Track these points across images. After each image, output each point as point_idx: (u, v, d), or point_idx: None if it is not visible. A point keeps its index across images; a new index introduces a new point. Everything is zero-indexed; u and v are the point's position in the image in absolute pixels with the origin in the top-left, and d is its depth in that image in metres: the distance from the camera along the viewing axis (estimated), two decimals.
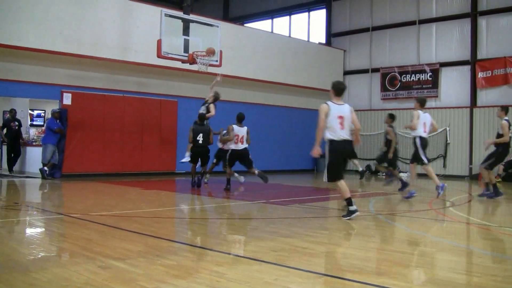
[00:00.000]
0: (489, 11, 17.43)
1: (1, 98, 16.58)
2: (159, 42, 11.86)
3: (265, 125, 18.22)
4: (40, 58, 13.14)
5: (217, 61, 12.72)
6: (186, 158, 12.08)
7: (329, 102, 7.18)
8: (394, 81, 19.75)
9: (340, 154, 7.06)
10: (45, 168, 13.06)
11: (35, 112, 18.82)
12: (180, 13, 12.84)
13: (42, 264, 4.21)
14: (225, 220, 7.45)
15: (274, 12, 23.97)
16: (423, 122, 9.84)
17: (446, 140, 18.23)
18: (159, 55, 11.98)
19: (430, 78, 18.75)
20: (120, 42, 14.16)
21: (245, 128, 11.24)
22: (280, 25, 23.93)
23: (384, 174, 16.94)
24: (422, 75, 18.98)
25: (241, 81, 17.43)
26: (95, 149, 14.18)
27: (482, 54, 17.64)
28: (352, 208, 7.00)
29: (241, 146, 11.17)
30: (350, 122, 7.21)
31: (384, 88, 20.05)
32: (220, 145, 12.41)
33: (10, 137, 14.46)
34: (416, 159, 10.01)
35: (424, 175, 18.03)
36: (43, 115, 18.76)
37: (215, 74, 15.37)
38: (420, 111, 9.92)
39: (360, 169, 13.43)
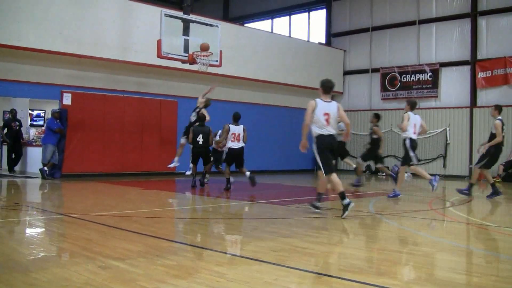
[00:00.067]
0: (489, 11, 17.43)
1: (1, 98, 16.59)
2: (159, 42, 11.86)
3: (265, 125, 18.22)
4: (40, 58, 13.14)
5: (217, 61, 12.72)
6: (174, 164, 12.39)
7: (317, 99, 7.47)
8: (394, 81, 19.74)
9: (327, 147, 7.36)
10: (45, 168, 13.06)
11: (35, 112, 18.83)
12: (180, 13, 12.84)
13: (42, 264, 4.21)
14: (225, 220, 7.45)
15: (274, 12, 23.97)
16: (413, 124, 9.93)
17: (446, 140, 18.23)
18: (159, 55, 11.97)
19: (430, 78, 18.75)
20: (120, 42, 14.15)
21: (241, 126, 11.34)
22: (280, 25, 23.93)
23: (384, 174, 16.94)
24: (422, 75, 18.98)
25: (241, 81, 17.43)
26: (95, 149, 14.18)
27: (482, 54, 17.64)
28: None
29: (238, 145, 11.26)
30: (336, 119, 7.50)
31: (384, 88, 20.05)
32: (214, 145, 12.43)
33: (11, 137, 14.46)
34: (406, 160, 10.07)
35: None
36: (43, 115, 18.76)
37: (215, 74, 15.43)
38: (410, 113, 9.99)
39: (354, 166, 13.41)
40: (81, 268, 3.99)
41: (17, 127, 14.64)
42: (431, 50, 18.89)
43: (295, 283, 3.79)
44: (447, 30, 18.48)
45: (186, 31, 12.36)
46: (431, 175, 10.41)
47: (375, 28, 20.37)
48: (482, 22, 17.63)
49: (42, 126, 17.61)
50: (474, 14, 17.67)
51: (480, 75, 17.51)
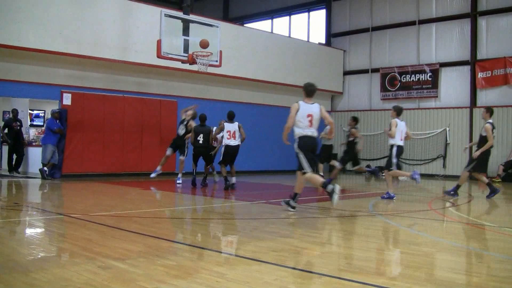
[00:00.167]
0: (489, 11, 17.43)
1: (0, 98, 16.59)
2: (159, 42, 11.85)
3: (265, 125, 18.22)
4: (40, 58, 13.14)
5: (216, 61, 12.72)
6: (156, 173, 12.51)
7: (299, 101, 7.70)
8: (394, 81, 19.74)
9: (308, 148, 7.61)
10: (45, 168, 13.06)
11: (34, 112, 18.83)
12: (180, 13, 12.84)
13: (42, 265, 4.21)
14: (224, 220, 7.45)
15: (274, 12, 23.97)
16: (400, 130, 9.95)
17: (446, 140, 18.23)
18: (159, 55, 11.97)
19: (430, 78, 18.75)
20: (120, 42, 14.16)
21: (236, 123, 11.54)
22: (280, 25, 23.93)
23: (383, 175, 16.95)
24: (422, 75, 18.98)
25: (240, 81, 17.43)
26: (95, 149, 14.18)
27: (482, 54, 17.64)
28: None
29: (234, 142, 11.47)
30: (319, 121, 7.73)
31: (384, 88, 20.05)
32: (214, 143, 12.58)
33: (12, 138, 14.44)
34: (388, 166, 10.12)
35: (427, 175, 18.11)
36: (42, 115, 18.76)
37: (215, 74, 15.44)
38: (397, 119, 10.00)
39: (337, 164, 13.29)
40: (81, 268, 3.99)
41: (18, 127, 14.62)
42: (431, 50, 18.90)
43: (295, 283, 3.79)
44: (447, 30, 18.48)
45: (186, 31, 12.35)
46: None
47: (375, 28, 20.38)
48: (482, 22, 17.64)
49: (42, 126, 17.61)
50: (474, 14, 17.67)
51: (480, 75, 17.51)
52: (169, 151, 12.59)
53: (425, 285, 3.80)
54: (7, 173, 14.39)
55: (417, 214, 8.01)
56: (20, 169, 14.67)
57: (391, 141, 10.02)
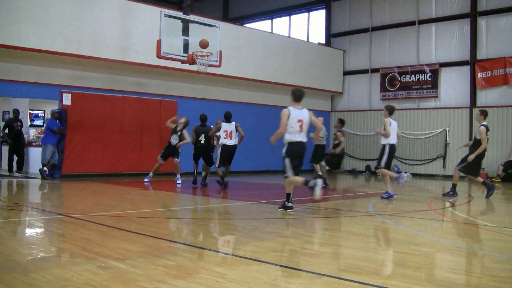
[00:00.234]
0: (489, 12, 17.44)
1: (0, 98, 16.58)
2: (158, 43, 11.85)
3: (264, 125, 18.17)
4: (40, 58, 13.14)
5: (216, 61, 12.72)
6: (149, 178, 12.63)
7: (290, 107, 7.75)
8: (393, 82, 19.75)
9: (296, 154, 7.71)
10: (45, 168, 13.06)
11: (34, 112, 18.81)
12: (179, 14, 12.83)
13: (41, 265, 4.21)
14: (224, 220, 7.45)
15: (273, 12, 23.97)
16: (393, 129, 10.00)
17: (446, 141, 18.23)
18: (159, 56, 11.97)
19: (430, 79, 18.76)
20: (120, 42, 14.15)
21: (233, 123, 11.68)
22: (280, 25, 23.94)
23: (378, 175, 16.95)
24: (421, 75, 18.99)
25: (240, 81, 17.44)
26: (95, 149, 14.18)
27: (481, 54, 17.64)
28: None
29: (230, 142, 11.59)
30: (308, 125, 7.83)
31: (383, 89, 20.05)
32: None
33: (12, 138, 14.43)
34: (380, 163, 10.12)
35: (427, 175, 18.12)
36: (42, 115, 18.74)
37: (215, 75, 15.43)
38: (390, 119, 10.01)
39: (319, 174, 13.26)
40: (81, 269, 3.99)
41: (19, 127, 14.61)
42: (431, 50, 18.90)
43: (295, 283, 3.79)
44: (447, 30, 18.48)
45: (185, 31, 12.35)
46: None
47: (374, 28, 20.38)
48: (482, 22, 17.64)
49: (42, 126, 17.60)
50: (473, 14, 17.68)
51: (479, 75, 17.51)
52: (161, 160, 12.72)
53: (425, 285, 3.80)
54: (7, 173, 14.39)
55: (417, 214, 8.01)
56: (14, 169, 14.66)
57: (384, 141, 10.04)
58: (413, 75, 19.19)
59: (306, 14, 23.05)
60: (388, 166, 10.08)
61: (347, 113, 21.16)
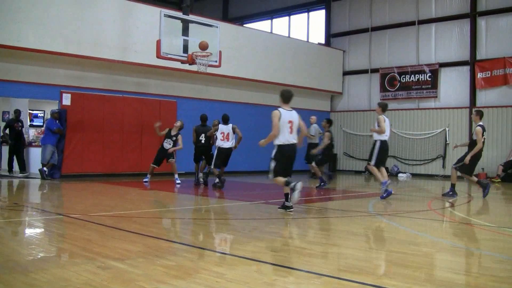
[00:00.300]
0: (489, 12, 17.44)
1: (0, 99, 16.58)
2: (158, 43, 11.85)
3: (264, 125, 18.08)
4: (40, 59, 13.13)
5: (216, 61, 12.72)
6: (148, 180, 12.64)
7: (280, 109, 7.80)
8: (393, 82, 19.75)
9: (286, 156, 7.79)
10: (45, 168, 13.06)
11: (33, 112, 18.80)
12: (179, 14, 12.83)
13: (41, 265, 4.21)
14: (224, 221, 7.45)
15: (273, 12, 23.98)
16: (387, 126, 10.05)
17: (446, 141, 18.24)
18: (159, 56, 11.97)
19: (430, 79, 18.76)
20: (120, 42, 14.15)
21: (230, 125, 11.81)
22: (280, 25, 23.94)
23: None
24: (421, 75, 18.99)
25: (240, 81, 17.43)
26: (95, 149, 14.18)
27: (481, 54, 17.65)
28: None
29: (226, 144, 11.73)
30: (297, 127, 7.90)
31: (383, 89, 20.06)
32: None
33: (13, 138, 14.41)
34: (370, 158, 10.18)
35: (427, 176, 18.12)
36: (42, 115, 18.73)
37: (214, 75, 15.42)
38: (383, 116, 10.05)
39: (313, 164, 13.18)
40: (81, 269, 3.99)
41: (20, 128, 14.61)
42: (431, 51, 18.90)
43: (294, 283, 3.79)
44: (447, 31, 18.49)
45: (185, 32, 12.35)
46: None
47: (374, 29, 20.39)
48: (482, 22, 17.64)
49: (42, 126, 17.59)
50: (473, 15, 17.68)
51: (479, 75, 17.52)
52: (155, 164, 12.75)
53: (424, 285, 3.81)
54: (7, 173, 14.39)
55: (417, 214, 8.01)
56: (16, 169, 14.65)
57: (376, 137, 10.10)
58: (412, 75, 19.19)
59: (306, 14, 23.05)
60: (379, 163, 10.08)
61: (347, 113, 21.17)
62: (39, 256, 4.63)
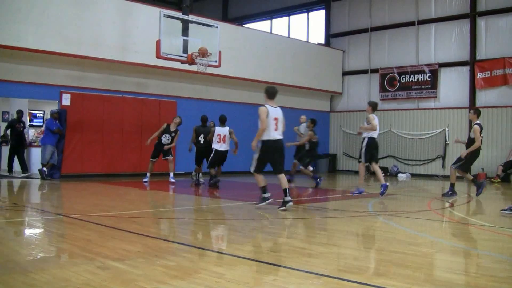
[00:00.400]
0: (488, 12, 17.44)
1: (0, 99, 16.57)
2: (158, 43, 11.85)
3: None
4: (39, 59, 13.13)
5: (216, 61, 12.72)
6: (147, 179, 12.76)
7: (266, 105, 7.96)
8: (393, 82, 19.75)
9: (271, 152, 7.98)
10: (44, 168, 13.05)
11: (33, 112, 18.78)
12: (179, 14, 12.82)
13: (41, 265, 4.21)
14: (223, 221, 7.45)
15: (273, 12, 23.98)
16: (377, 124, 10.37)
17: (445, 141, 18.24)
18: (158, 56, 11.97)
19: (429, 79, 18.76)
20: (119, 42, 14.15)
21: (227, 128, 11.93)
22: (279, 25, 23.94)
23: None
24: (421, 75, 18.99)
25: (240, 81, 17.43)
26: (94, 149, 14.18)
27: (481, 54, 17.65)
28: (266, 195, 8.07)
29: (223, 147, 11.91)
30: (283, 123, 8.07)
31: (383, 89, 20.06)
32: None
33: (14, 139, 14.40)
34: (361, 157, 10.41)
35: (426, 176, 18.12)
36: (41, 115, 18.71)
37: (214, 75, 15.43)
38: (373, 115, 10.35)
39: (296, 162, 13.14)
40: (80, 269, 3.99)
41: (21, 129, 14.60)
42: (430, 51, 18.91)
43: (294, 283, 3.79)
44: (446, 31, 18.49)
45: (185, 32, 12.35)
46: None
47: (374, 29, 20.39)
48: (481, 22, 17.65)
49: (41, 126, 17.59)
50: (473, 15, 17.68)
51: (479, 75, 17.52)
52: (152, 160, 12.88)
53: (424, 285, 3.81)
54: (7, 173, 14.38)
55: (416, 215, 8.02)
56: (16, 169, 14.65)
57: (368, 134, 10.32)
58: (412, 76, 19.19)
59: (305, 14, 23.05)
60: (370, 159, 10.31)
61: (347, 113, 21.18)
62: (38, 257, 4.63)
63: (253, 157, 8.05)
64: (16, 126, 14.42)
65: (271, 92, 8.12)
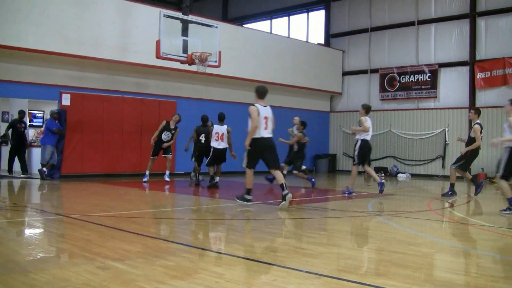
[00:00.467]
0: (488, 12, 17.45)
1: (0, 99, 16.57)
2: (158, 43, 11.85)
3: None
4: (39, 59, 13.13)
5: (216, 61, 12.73)
6: (147, 178, 12.83)
7: (256, 104, 8.14)
8: (393, 82, 19.76)
9: (260, 150, 8.15)
10: (44, 168, 13.05)
11: (33, 113, 18.77)
12: (179, 14, 12.83)
13: (41, 265, 4.21)
14: (223, 221, 7.45)
15: (273, 12, 23.98)
16: (370, 126, 10.48)
17: (445, 141, 18.25)
18: (158, 56, 11.97)
19: (429, 79, 18.77)
20: (119, 42, 14.15)
21: (225, 126, 11.94)
22: (279, 25, 23.94)
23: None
24: (421, 75, 19.00)
25: (240, 81, 17.43)
26: (94, 149, 14.19)
27: (481, 54, 17.65)
28: (248, 197, 8.35)
29: (221, 145, 11.89)
30: (272, 122, 8.26)
31: (383, 89, 20.06)
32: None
33: (14, 139, 14.39)
34: (355, 159, 10.61)
35: (426, 176, 18.12)
36: (41, 115, 18.70)
37: (214, 75, 15.44)
38: (366, 117, 10.46)
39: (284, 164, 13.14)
40: (80, 269, 3.99)
41: (22, 129, 14.59)
42: (430, 51, 18.91)
43: (294, 283, 3.79)
44: (446, 31, 18.49)
45: (185, 32, 12.35)
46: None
47: (374, 29, 20.40)
48: (481, 22, 17.65)
49: (41, 126, 17.58)
50: (473, 15, 17.69)
51: (479, 75, 17.52)
52: (154, 157, 12.95)
53: (424, 285, 3.81)
54: (7, 174, 14.38)
55: (416, 215, 8.02)
56: (16, 169, 14.65)
57: (361, 136, 10.45)
58: (412, 76, 19.20)
59: (305, 14, 23.06)
60: (363, 161, 10.53)
61: (347, 113, 21.18)
62: (38, 257, 4.63)
63: (244, 156, 8.29)
64: (17, 126, 14.41)
65: (261, 91, 8.29)
